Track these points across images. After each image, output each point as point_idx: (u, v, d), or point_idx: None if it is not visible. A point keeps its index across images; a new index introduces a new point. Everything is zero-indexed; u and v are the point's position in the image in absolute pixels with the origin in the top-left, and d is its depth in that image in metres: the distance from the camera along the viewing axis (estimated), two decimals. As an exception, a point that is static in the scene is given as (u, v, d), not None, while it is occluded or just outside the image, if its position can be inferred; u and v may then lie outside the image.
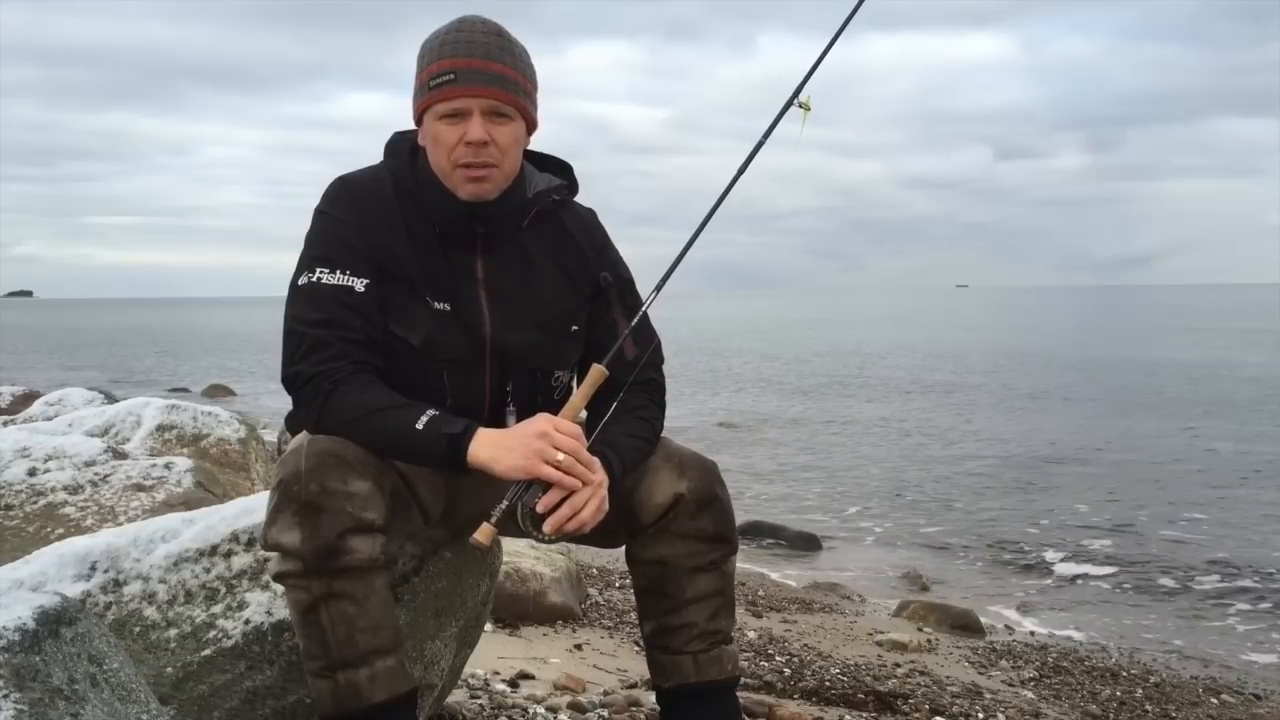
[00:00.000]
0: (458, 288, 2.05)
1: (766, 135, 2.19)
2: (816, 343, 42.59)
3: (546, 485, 1.87)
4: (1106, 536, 9.16)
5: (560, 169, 2.21)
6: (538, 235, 2.13)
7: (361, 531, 1.84)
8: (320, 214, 2.05)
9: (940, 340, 44.18)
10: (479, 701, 2.91)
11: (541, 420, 1.90)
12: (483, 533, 1.87)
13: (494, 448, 1.87)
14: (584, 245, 2.18)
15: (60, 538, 2.83)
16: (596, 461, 1.93)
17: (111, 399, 6.14)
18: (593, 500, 1.89)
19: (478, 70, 1.97)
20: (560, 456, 1.86)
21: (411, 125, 2.12)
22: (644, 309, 2.13)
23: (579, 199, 2.23)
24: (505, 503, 1.87)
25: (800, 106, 2.19)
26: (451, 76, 1.96)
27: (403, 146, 2.11)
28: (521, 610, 4.55)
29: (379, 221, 2.03)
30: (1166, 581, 7.78)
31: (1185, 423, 17.03)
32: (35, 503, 3.67)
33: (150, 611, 2.14)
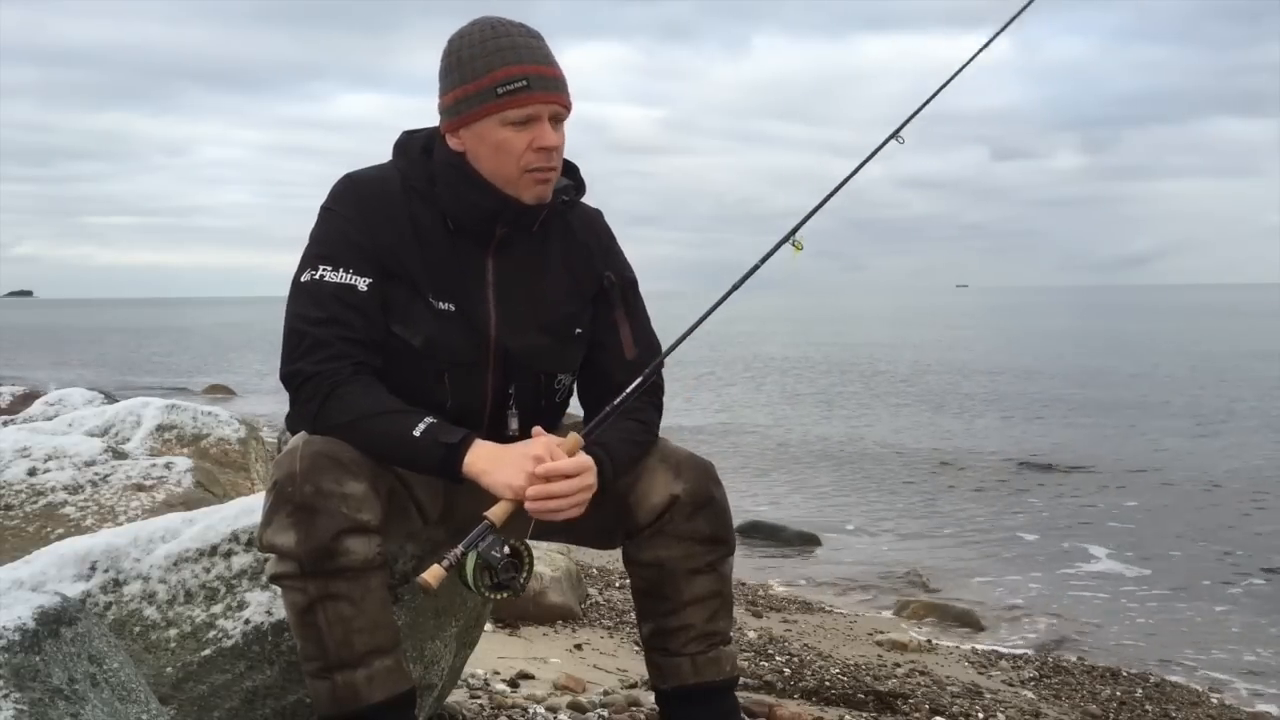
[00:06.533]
0: (465, 288, 2.04)
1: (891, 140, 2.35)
2: (817, 342, 42.59)
3: (506, 537, 1.85)
4: (1107, 536, 9.16)
5: (567, 169, 2.21)
6: (546, 236, 2.13)
7: (357, 532, 1.84)
8: (326, 211, 2.05)
9: (942, 341, 44.17)
10: (479, 701, 2.91)
11: (540, 444, 1.90)
12: (431, 574, 1.78)
13: (488, 461, 1.87)
14: (591, 246, 2.17)
15: (60, 538, 2.83)
16: (589, 467, 1.91)
17: (111, 399, 6.15)
18: (579, 494, 1.88)
19: (547, 77, 1.98)
20: (549, 486, 1.85)
21: (413, 125, 2.12)
22: (663, 354, 2.12)
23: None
24: (461, 548, 1.82)
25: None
26: (525, 83, 1.96)
27: (413, 146, 2.10)
28: (521, 610, 4.54)
29: (385, 220, 2.02)
30: (1168, 581, 7.77)
31: (1186, 423, 17.03)
32: (35, 503, 3.68)
33: (150, 611, 2.14)
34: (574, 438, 1.94)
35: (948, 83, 2.43)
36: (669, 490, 2.05)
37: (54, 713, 1.47)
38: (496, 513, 1.86)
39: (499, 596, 1.88)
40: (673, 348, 2.13)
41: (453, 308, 2.03)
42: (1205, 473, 12.43)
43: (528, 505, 1.86)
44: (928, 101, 2.38)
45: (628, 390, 2.03)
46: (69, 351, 40.46)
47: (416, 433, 1.87)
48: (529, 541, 1.92)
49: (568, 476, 1.87)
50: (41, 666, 1.50)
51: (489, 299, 2.06)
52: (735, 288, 2.19)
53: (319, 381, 1.92)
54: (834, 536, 9.23)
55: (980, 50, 2.50)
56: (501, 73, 1.96)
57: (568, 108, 2.02)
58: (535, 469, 1.86)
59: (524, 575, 1.90)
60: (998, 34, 2.55)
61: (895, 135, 2.35)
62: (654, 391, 2.15)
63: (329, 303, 1.96)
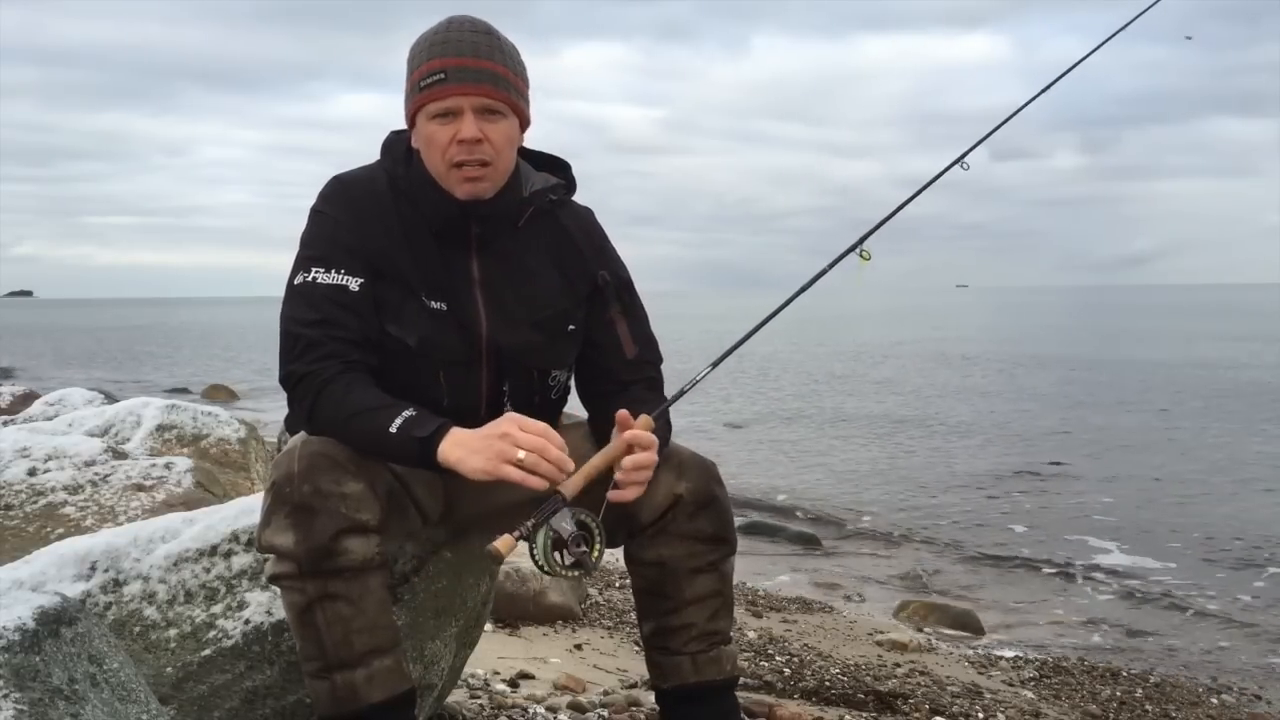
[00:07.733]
0: (454, 287, 2.04)
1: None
2: (818, 343, 42.58)
3: (577, 510, 1.82)
4: (1107, 536, 9.16)
5: (558, 168, 2.21)
6: (535, 234, 2.13)
7: (355, 532, 1.84)
8: (316, 213, 2.05)
9: (943, 341, 44.17)
10: (479, 701, 2.91)
11: (505, 421, 1.85)
12: (502, 543, 1.76)
13: (460, 449, 1.82)
14: (581, 244, 2.17)
15: (60, 538, 2.83)
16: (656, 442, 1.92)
17: (111, 399, 6.14)
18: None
19: (468, 68, 1.96)
20: (521, 455, 1.79)
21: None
22: (694, 381, 2.12)
23: (576, 198, 2.23)
24: (532, 520, 1.79)
25: None
26: (441, 76, 1.96)
27: (399, 145, 2.11)
28: (521, 610, 4.54)
29: (375, 220, 2.03)
30: (1167, 581, 7.77)
31: (1188, 423, 17.03)
32: (35, 503, 3.67)
33: (150, 611, 2.14)
34: (646, 419, 1.94)
35: (1012, 116, 2.53)
36: (672, 490, 2.05)
37: (54, 713, 1.47)
38: (568, 486, 1.82)
39: (571, 575, 1.85)
40: (731, 349, 2.16)
41: (445, 307, 2.03)
42: (1209, 475, 12.42)
43: (620, 476, 1.86)
44: (995, 130, 2.46)
45: (696, 377, 2.06)
46: (69, 351, 40.44)
47: (392, 429, 1.84)
48: (600, 519, 1.87)
49: (645, 448, 1.88)
50: (41, 666, 1.50)
51: (477, 298, 2.06)
52: (799, 293, 2.20)
53: (310, 381, 1.92)
54: (834, 537, 9.24)
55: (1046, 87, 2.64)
56: (425, 67, 1.98)
57: (501, 100, 1.98)
58: (549, 445, 1.82)
59: (596, 552, 1.86)
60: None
61: (960, 161, 2.42)
62: (658, 387, 2.17)
63: (322, 304, 1.96)
